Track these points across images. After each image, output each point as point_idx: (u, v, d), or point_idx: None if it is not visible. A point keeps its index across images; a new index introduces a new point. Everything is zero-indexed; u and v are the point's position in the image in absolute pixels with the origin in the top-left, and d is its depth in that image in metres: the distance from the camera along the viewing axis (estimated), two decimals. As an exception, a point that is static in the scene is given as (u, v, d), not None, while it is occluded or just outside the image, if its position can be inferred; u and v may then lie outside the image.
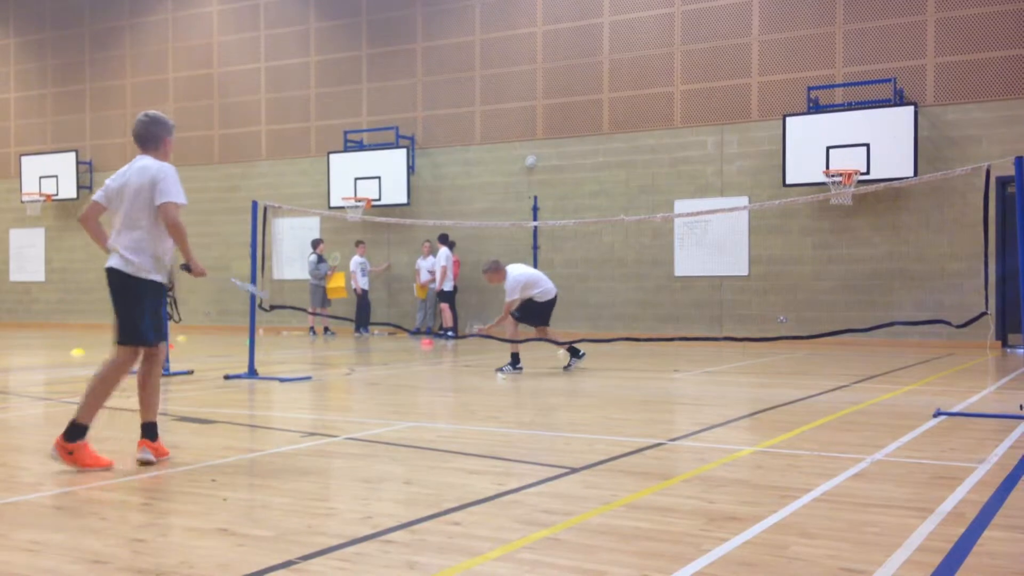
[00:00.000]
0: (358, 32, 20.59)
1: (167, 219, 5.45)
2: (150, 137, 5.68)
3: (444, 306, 18.22)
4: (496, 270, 11.48)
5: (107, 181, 5.72)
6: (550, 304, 11.56)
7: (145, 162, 5.59)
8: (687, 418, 7.78)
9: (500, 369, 11.25)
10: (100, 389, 5.40)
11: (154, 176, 5.47)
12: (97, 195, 5.69)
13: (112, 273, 5.50)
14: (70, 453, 5.25)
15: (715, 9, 17.20)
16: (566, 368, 11.43)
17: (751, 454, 5.76)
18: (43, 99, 24.48)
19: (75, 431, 5.29)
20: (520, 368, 11.23)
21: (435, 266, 18.22)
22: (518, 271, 11.50)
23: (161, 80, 22.81)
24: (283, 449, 6.04)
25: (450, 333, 17.66)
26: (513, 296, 11.28)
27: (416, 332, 18.26)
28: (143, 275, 5.49)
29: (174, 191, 5.49)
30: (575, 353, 11.52)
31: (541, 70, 18.69)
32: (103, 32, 23.63)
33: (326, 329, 19.86)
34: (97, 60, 23.70)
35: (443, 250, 18.21)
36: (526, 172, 18.76)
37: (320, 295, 19.46)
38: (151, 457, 5.49)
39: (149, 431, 5.59)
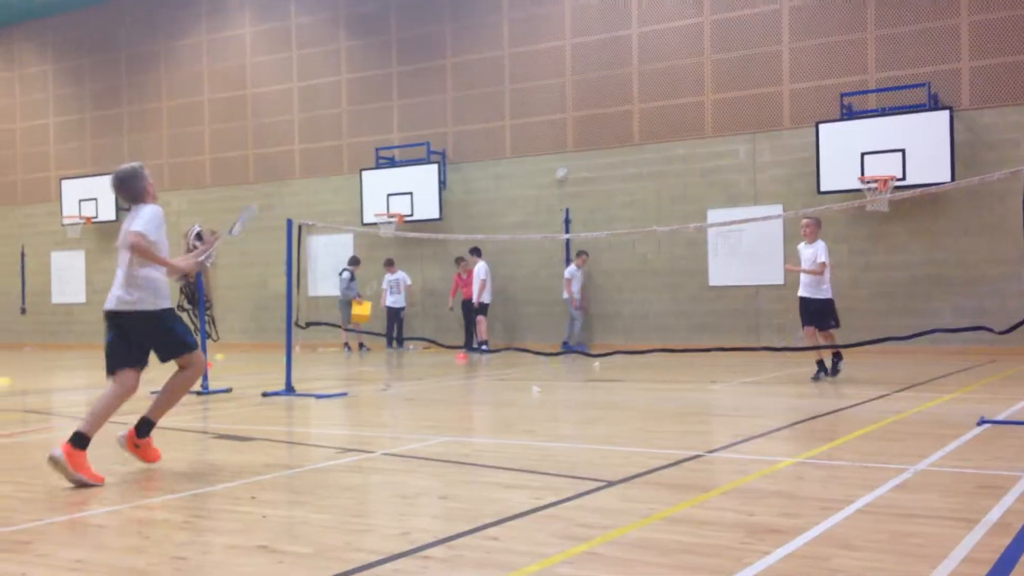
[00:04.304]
0: (388, 50, 20.76)
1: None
2: (137, 194, 6.03)
3: (480, 319, 18.24)
4: (819, 224, 11.42)
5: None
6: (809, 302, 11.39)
7: None
8: (725, 429, 7.71)
9: (814, 377, 11.05)
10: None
11: None
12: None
13: None
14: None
15: (744, 18, 17.14)
16: (817, 378, 11.07)
17: (791, 465, 5.70)
18: (82, 123, 24.93)
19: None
20: (824, 374, 11.07)
21: (475, 279, 18.27)
22: None
23: (196, 102, 23.14)
24: (321, 465, 6.07)
25: (484, 347, 17.67)
26: (825, 258, 11.13)
27: (473, 349, 17.96)
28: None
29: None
30: (829, 366, 11.28)
31: (570, 82, 18.71)
32: (140, 56, 24.03)
33: (361, 345, 19.96)
34: (134, 84, 24.11)
35: (481, 263, 18.28)
36: (557, 184, 18.77)
37: (349, 312, 19.52)
38: (123, 441, 5.95)
39: (138, 425, 5.96)
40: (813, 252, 11.29)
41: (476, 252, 18.55)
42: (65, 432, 8.26)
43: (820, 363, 11.20)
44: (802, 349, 11.16)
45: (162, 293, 5.90)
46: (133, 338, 5.80)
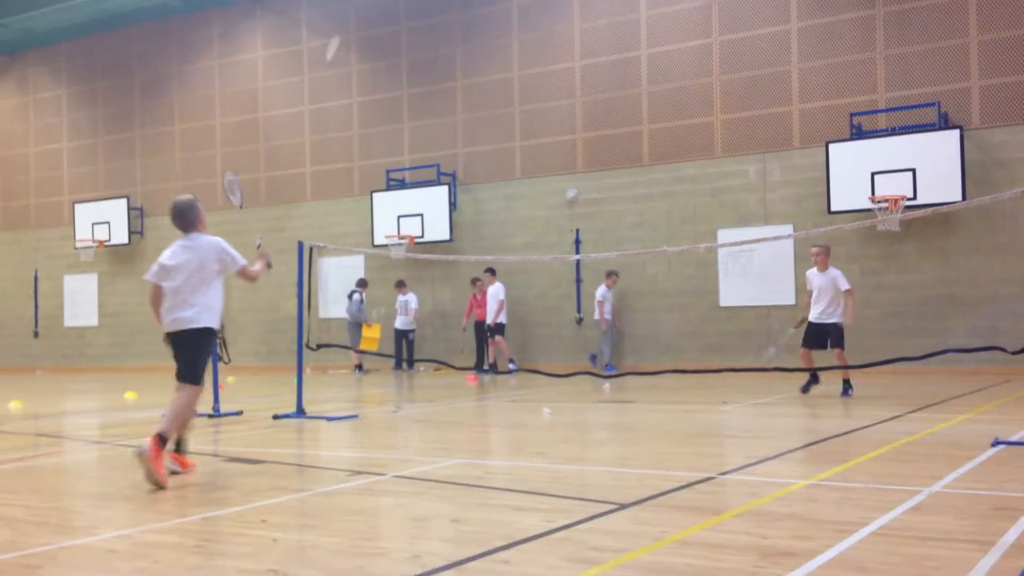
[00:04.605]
0: (398, 73, 20.90)
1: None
2: (192, 223, 6.63)
3: (499, 339, 18.24)
4: (828, 251, 11.71)
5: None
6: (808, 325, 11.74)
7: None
8: (737, 451, 7.67)
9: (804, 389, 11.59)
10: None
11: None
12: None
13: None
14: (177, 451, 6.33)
15: (753, 38, 17.19)
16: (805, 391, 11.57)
17: (804, 487, 5.66)
18: (95, 147, 25.12)
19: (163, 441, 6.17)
20: (814, 383, 11.59)
21: (491, 299, 18.29)
22: None
23: (208, 126, 23.31)
24: (331, 488, 6.06)
25: (511, 366, 17.74)
26: (848, 284, 11.48)
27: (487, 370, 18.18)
28: None
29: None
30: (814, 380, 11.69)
31: (580, 104, 18.78)
32: (152, 80, 24.24)
33: (360, 366, 19.81)
34: (146, 108, 24.31)
35: (497, 284, 18.32)
36: (567, 205, 18.80)
37: (358, 334, 19.52)
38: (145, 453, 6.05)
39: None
40: (828, 280, 11.39)
41: (491, 272, 18.56)
42: (76, 456, 8.29)
43: (813, 374, 11.34)
44: (810, 370, 11.12)
45: (218, 316, 6.60)
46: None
